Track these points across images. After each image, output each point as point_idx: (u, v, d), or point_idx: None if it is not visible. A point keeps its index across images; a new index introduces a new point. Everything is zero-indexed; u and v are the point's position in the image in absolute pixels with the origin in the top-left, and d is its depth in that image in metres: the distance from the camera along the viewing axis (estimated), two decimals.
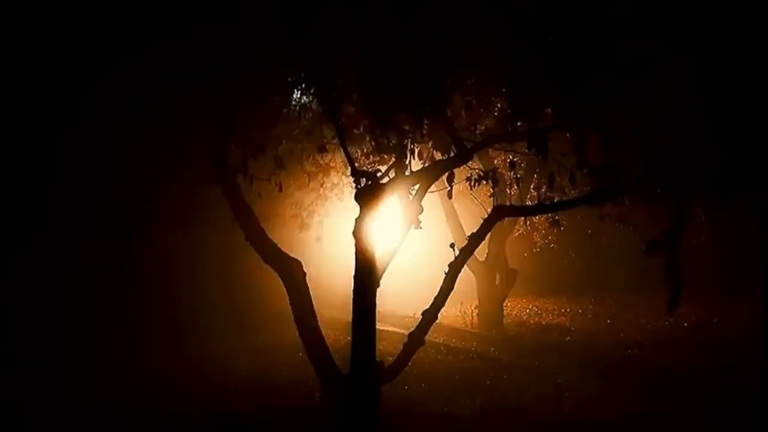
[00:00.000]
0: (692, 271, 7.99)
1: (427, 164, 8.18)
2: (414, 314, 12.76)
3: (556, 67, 5.82)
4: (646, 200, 7.39)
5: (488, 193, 10.92)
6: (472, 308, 16.34)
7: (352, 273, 6.91)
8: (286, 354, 11.67)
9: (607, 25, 5.68)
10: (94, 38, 6.54)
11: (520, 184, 13.11)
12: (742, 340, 11.83)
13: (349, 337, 7.17)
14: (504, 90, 6.95)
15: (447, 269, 7.70)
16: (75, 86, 6.88)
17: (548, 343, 13.73)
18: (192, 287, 13.70)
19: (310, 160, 9.74)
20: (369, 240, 6.95)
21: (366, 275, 6.89)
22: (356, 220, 6.95)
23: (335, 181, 11.30)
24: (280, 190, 8.54)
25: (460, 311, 16.52)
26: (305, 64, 6.97)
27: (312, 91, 7.83)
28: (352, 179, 7.29)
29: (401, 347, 7.92)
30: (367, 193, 6.93)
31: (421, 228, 8.43)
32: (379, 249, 7.34)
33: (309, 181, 10.16)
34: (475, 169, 8.41)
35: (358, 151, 9.21)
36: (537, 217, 15.46)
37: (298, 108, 8.57)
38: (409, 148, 7.62)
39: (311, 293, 8.14)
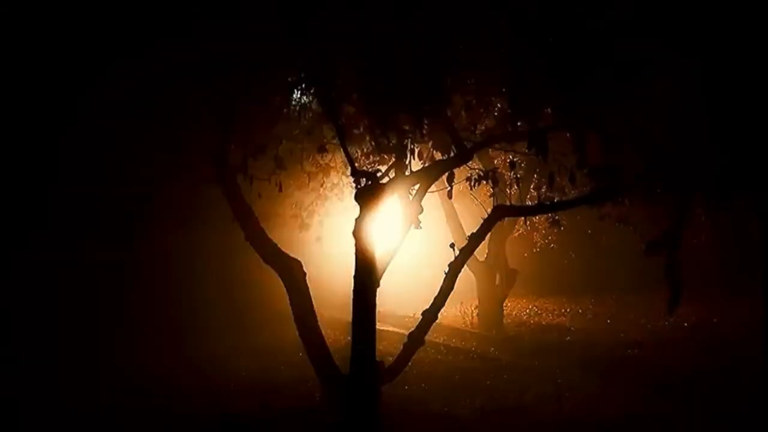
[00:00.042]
0: (692, 271, 7.99)
1: (427, 164, 8.17)
2: (414, 314, 12.75)
3: (556, 67, 5.82)
4: (646, 200, 7.39)
5: (488, 193, 10.93)
6: (472, 308, 16.33)
7: (352, 273, 6.91)
8: (286, 354, 11.66)
9: (607, 25, 5.68)
10: (94, 38, 6.54)
11: (520, 184, 13.09)
12: (742, 340, 11.82)
13: (349, 337, 7.17)
14: (504, 90, 6.94)
15: (447, 269, 7.70)
16: (75, 86, 6.88)
17: (548, 343, 13.72)
18: (192, 287, 13.70)
19: (310, 160, 9.73)
20: (369, 240, 6.95)
21: (366, 275, 6.89)
22: (356, 220, 6.95)
23: (335, 181, 11.30)
24: (280, 190, 8.54)
25: (460, 311, 16.51)
26: (305, 64, 6.97)
27: (312, 91, 7.83)
28: (352, 179, 7.29)
29: (401, 347, 7.92)
30: (367, 193, 6.93)
31: (421, 228, 8.44)
32: (379, 249, 7.34)
33: (309, 181, 10.16)
34: (475, 169, 8.41)
35: (358, 151, 9.21)
36: (537, 217, 15.45)
37: (298, 108, 8.57)
38: (409, 148, 7.62)
39: (311, 293, 8.14)
